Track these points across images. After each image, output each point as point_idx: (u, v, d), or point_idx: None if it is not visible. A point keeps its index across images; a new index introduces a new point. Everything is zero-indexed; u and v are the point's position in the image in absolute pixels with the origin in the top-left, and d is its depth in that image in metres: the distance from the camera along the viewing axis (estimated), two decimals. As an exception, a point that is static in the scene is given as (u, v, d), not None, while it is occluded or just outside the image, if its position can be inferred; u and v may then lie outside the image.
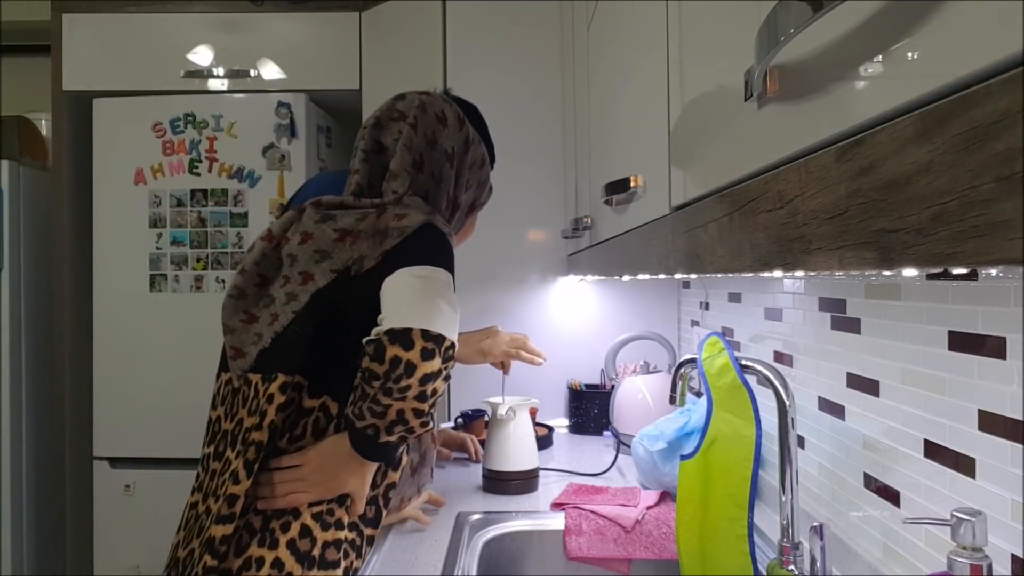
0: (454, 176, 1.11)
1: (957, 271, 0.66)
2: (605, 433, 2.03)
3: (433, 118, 1.10)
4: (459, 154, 1.12)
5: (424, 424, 0.90)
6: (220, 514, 0.93)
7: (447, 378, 0.89)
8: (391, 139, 1.10)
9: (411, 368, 0.85)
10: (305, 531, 0.93)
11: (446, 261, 0.99)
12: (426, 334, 0.86)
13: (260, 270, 1.05)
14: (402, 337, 0.85)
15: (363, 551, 1.03)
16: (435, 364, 0.86)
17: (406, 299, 0.90)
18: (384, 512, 1.05)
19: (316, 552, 0.94)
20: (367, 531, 1.03)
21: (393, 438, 0.91)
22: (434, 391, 0.88)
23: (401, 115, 1.10)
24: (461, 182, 1.13)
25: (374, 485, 1.03)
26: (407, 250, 0.97)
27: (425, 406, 0.88)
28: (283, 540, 0.92)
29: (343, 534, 0.97)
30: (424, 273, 0.93)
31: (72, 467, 2.52)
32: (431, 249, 0.99)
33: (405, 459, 1.09)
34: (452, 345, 0.89)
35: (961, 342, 0.76)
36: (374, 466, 0.98)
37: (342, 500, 0.99)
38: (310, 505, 0.95)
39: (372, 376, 0.86)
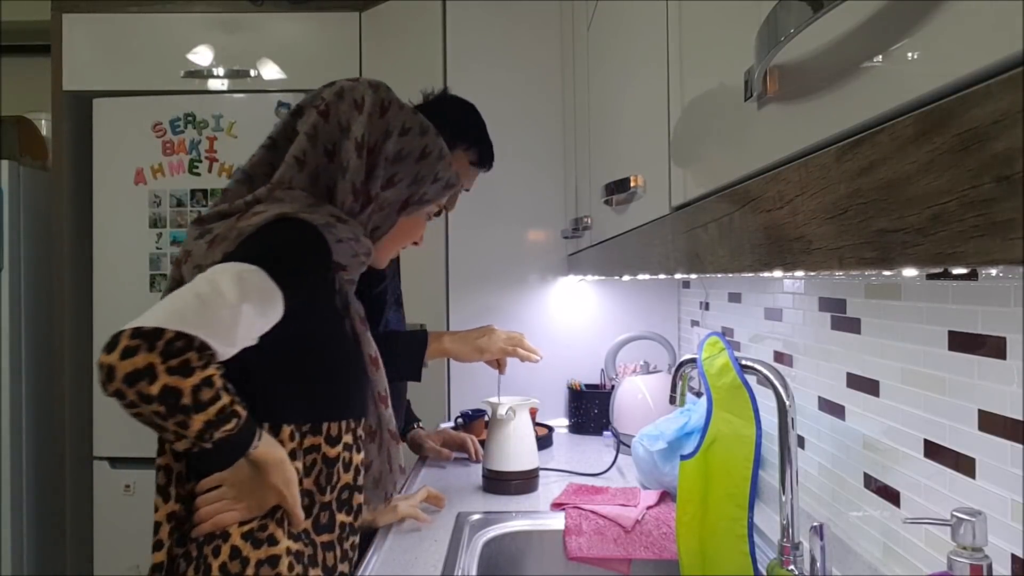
0: (364, 167, 1.01)
1: (957, 271, 0.66)
2: (605, 433, 2.03)
3: (350, 105, 1.03)
4: (373, 144, 1.02)
5: (182, 425, 0.80)
6: (152, 543, 0.93)
7: (183, 373, 0.78)
8: (302, 127, 1.03)
9: (111, 372, 0.76)
10: (235, 552, 0.90)
11: (268, 256, 0.89)
12: (136, 332, 0.78)
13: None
14: (111, 342, 0.78)
15: (321, 559, 0.98)
16: (139, 361, 0.76)
17: (157, 304, 0.83)
18: (339, 516, 0.99)
19: (250, 572, 0.90)
20: (321, 538, 0.98)
21: (184, 446, 0.83)
22: (166, 390, 0.77)
23: (321, 100, 1.04)
24: (376, 174, 1.02)
25: (322, 490, 0.97)
26: (234, 253, 0.91)
27: (159, 407, 0.78)
28: (215, 565, 0.90)
29: (281, 548, 0.92)
30: (208, 273, 0.86)
31: (72, 467, 2.52)
32: (256, 246, 0.91)
33: (357, 458, 1.03)
34: (177, 337, 0.78)
35: (961, 342, 0.76)
36: (284, 473, 0.91)
37: (274, 514, 0.94)
38: (240, 525, 0.92)
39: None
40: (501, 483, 1.53)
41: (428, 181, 1.07)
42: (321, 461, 0.98)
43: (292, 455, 0.94)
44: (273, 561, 0.91)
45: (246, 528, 0.92)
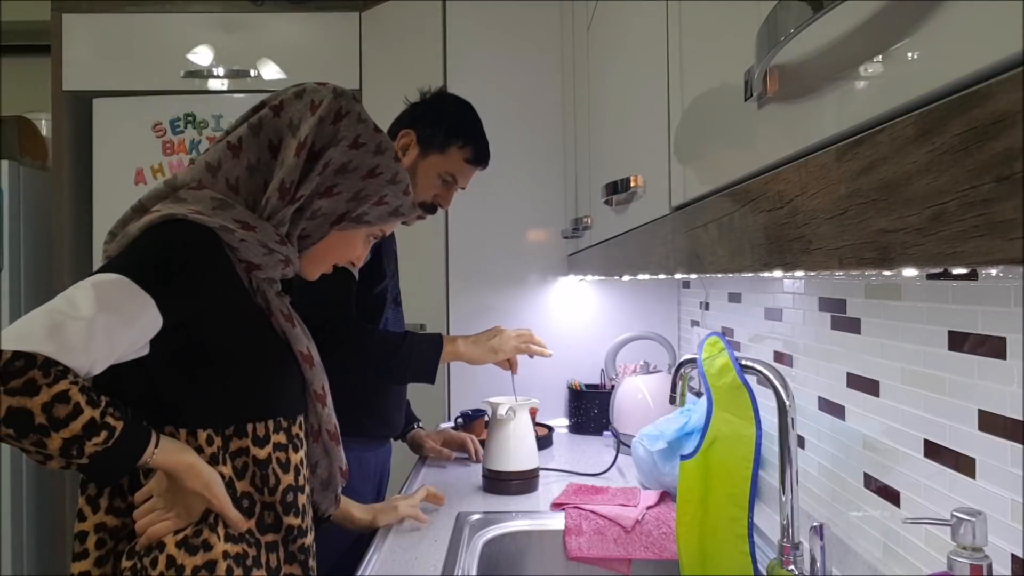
0: (299, 168, 0.97)
1: (957, 271, 0.66)
2: (605, 433, 2.03)
3: (306, 105, 1.00)
4: (315, 147, 0.98)
5: (39, 444, 0.78)
6: (74, 552, 0.92)
7: (27, 392, 0.76)
8: (249, 118, 1.01)
9: None
10: (170, 562, 0.89)
11: (141, 262, 0.87)
12: None
13: None
14: None
15: (266, 560, 0.96)
16: None
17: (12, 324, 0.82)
18: (285, 519, 0.98)
19: None
20: (266, 538, 0.97)
21: (57, 465, 0.81)
22: (11, 412, 0.76)
23: (279, 98, 1.02)
24: (310, 178, 0.98)
25: (260, 491, 0.96)
26: (113, 259, 0.89)
27: (7, 430, 0.77)
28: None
29: (216, 552, 0.91)
30: (72, 287, 0.84)
31: (72, 467, 2.52)
32: (133, 251, 0.90)
33: (295, 457, 1.01)
34: (15, 357, 0.76)
35: (961, 342, 0.76)
36: (200, 477, 0.90)
37: (208, 518, 0.92)
38: (175, 533, 0.90)
39: None
40: (501, 483, 1.53)
41: (370, 201, 1.02)
42: (252, 463, 0.96)
43: (215, 459, 0.92)
44: (210, 566, 0.90)
45: (180, 536, 0.90)
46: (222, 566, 0.91)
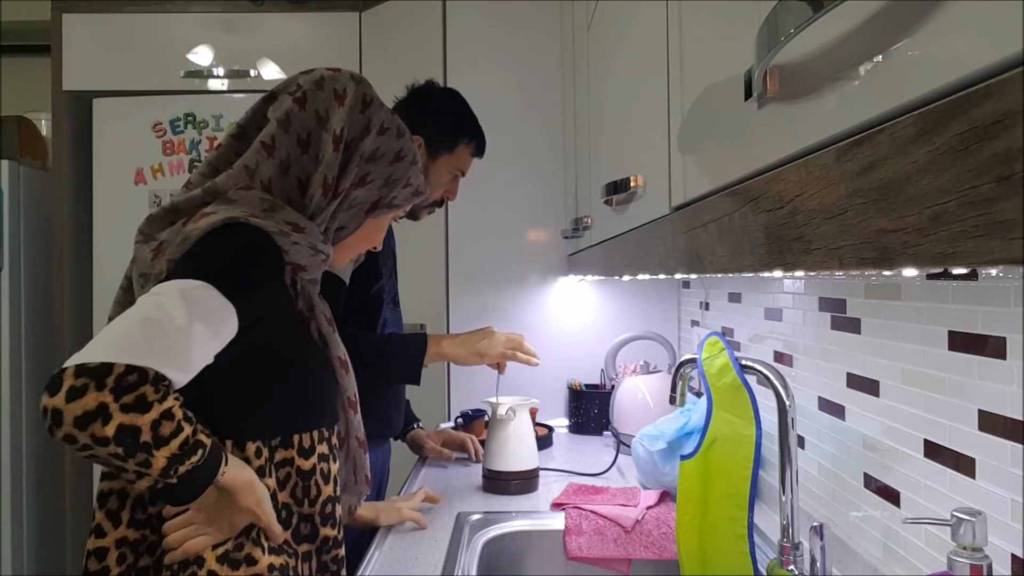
0: (338, 161, 0.95)
1: (957, 271, 0.66)
2: (605, 433, 2.03)
3: (329, 94, 0.97)
4: (352, 138, 0.96)
5: (144, 464, 0.74)
6: (90, 570, 0.87)
7: (139, 409, 0.73)
8: (273, 113, 0.97)
9: (58, 416, 0.70)
10: None
11: (217, 268, 0.83)
12: (80, 370, 0.71)
13: (125, 297, 0.96)
14: (52, 382, 0.72)
15: (303, 570, 0.95)
16: (88, 402, 0.70)
17: (101, 333, 0.77)
18: (322, 530, 0.96)
19: None
20: (302, 548, 0.95)
21: (147, 484, 0.79)
22: (122, 430, 0.72)
23: (297, 87, 0.98)
24: (350, 170, 0.96)
25: (299, 502, 0.94)
26: (181, 263, 0.85)
27: (116, 449, 0.72)
28: None
29: (262, 566, 0.88)
30: (155, 291, 0.80)
31: (72, 467, 2.52)
32: (202, 256, 0.85)
33: (334, 468, 0.99)
34: (128, 371, 0.72)
35: (961, 342, 0.76)
36: (255, 494, 0.87)
37: (249, 532, 0.89)
38: (214, 548, 0.86)
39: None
40: (501, 483, 1.53)
41: (400, 185, 1.02)
42: (296, 474, 0.93)
43: (262, 471, 0.89)
44: None
45: (221, 551, 0.87)
46: None
